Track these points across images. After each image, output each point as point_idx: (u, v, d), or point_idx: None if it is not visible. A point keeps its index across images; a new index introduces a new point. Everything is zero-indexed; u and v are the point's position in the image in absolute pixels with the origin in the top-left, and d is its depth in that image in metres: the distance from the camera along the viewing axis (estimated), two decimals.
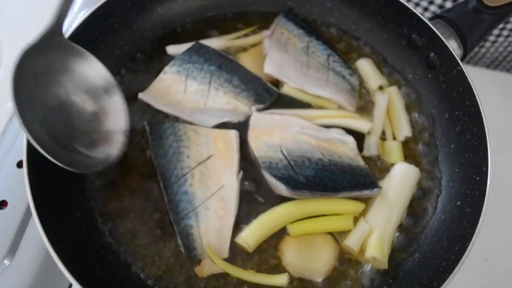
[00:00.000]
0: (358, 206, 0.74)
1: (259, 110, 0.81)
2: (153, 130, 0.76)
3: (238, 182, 0.74)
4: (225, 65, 0.83)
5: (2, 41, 1.01)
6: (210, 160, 0.74)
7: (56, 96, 0.62)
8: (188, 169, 0.73)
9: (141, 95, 0.79)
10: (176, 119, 0.80)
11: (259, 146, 0.75)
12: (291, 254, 0.70)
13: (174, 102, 0.80)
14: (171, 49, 0.87)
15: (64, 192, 0.70)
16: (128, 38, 0.85)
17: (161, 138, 0.75)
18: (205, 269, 0.69)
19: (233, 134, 0.77)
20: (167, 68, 0.82)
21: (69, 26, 0.96)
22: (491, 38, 1.14)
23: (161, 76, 0.81)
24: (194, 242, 0.69)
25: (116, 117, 0.68)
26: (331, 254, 0.71)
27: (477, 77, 0.74)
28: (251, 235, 0.70)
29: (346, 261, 0.72)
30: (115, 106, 0.68)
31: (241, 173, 0.75)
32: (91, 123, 0.66)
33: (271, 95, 0.82)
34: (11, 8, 1.06)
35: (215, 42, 0.87)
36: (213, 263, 0.68)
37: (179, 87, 0.81)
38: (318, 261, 0.70)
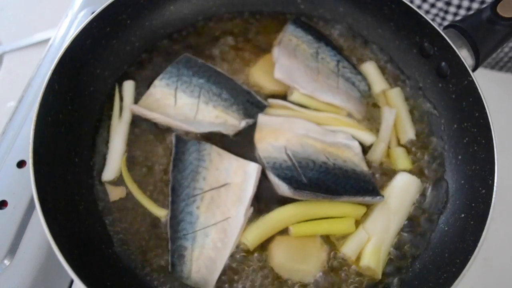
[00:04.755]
0: (359, 210, 0.74)
1: (248, 124, 0.79)
2: (178, 143, 0.75)
3: (245, 218, 0.71)
4: (214, 78, 0.81)
5: (2, 41, 1.02)
6: (224, 188, 0.72)
7: None
8: (200, 191, 0.72)
9: (132, 107, 0.78)
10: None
11: (264, 147, 0.75)
12: (280, 254, 0.70)
13: (165, 115, 0.78)
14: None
15: (67, 185, 0.70)
16: (139, 34, 0.85)
17: (183, 152, 0.74)
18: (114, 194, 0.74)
19: (255, 169, 0.73)
20: (156, 82, 0.80)
21: (69, 26, 0.97)
22: None
23: (151, 90, 0.80)
24: (184, 264, 0.68)
25: None
26: (320, 257, 0.71)
27: (478, 77, 0.73)
28: (252, 233, 0.70)
29: (345, 269, 0.72)
30: None
31: (252, 209, 0.72)
32: None
33: (260, 109, 0.80)
34: (11, 8, 1.07)
35: None
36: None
37: (169, 101, 0.79)
38: (307, 262, 0.70)
